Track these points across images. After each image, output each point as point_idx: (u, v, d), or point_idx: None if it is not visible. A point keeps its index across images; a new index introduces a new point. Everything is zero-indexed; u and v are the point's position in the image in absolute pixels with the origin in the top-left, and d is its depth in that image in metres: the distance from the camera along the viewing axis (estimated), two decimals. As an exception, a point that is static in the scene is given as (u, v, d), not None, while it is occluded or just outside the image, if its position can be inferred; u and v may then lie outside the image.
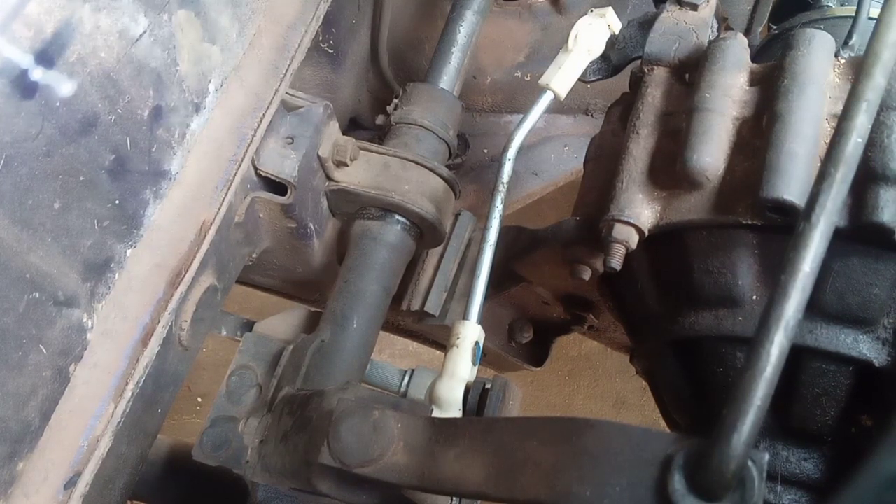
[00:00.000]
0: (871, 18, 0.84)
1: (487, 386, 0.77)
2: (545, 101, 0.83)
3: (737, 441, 0.45)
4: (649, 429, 0.50)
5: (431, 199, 0.91)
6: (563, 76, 0.83)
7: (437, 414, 0.71)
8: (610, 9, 0.85)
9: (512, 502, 0.54)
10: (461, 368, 0.73)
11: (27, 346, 0.55)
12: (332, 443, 0.58)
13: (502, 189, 0.81)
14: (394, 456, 0.58)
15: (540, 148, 1.40)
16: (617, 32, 0.86)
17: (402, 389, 0.95)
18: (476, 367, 0.75)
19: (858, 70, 0.53)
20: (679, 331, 0.76)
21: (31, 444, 0.58)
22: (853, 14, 0.80)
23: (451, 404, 0.71)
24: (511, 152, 0.82)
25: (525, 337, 1.15)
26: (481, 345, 0.75)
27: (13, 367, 0.55)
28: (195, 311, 0.72)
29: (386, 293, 0.90)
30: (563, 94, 0.83)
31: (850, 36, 0.75)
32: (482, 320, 0.77)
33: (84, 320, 0.61)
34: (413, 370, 0.96)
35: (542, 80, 0.83)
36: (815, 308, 0.67)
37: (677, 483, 0.47)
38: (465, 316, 0.76)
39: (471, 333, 0.74)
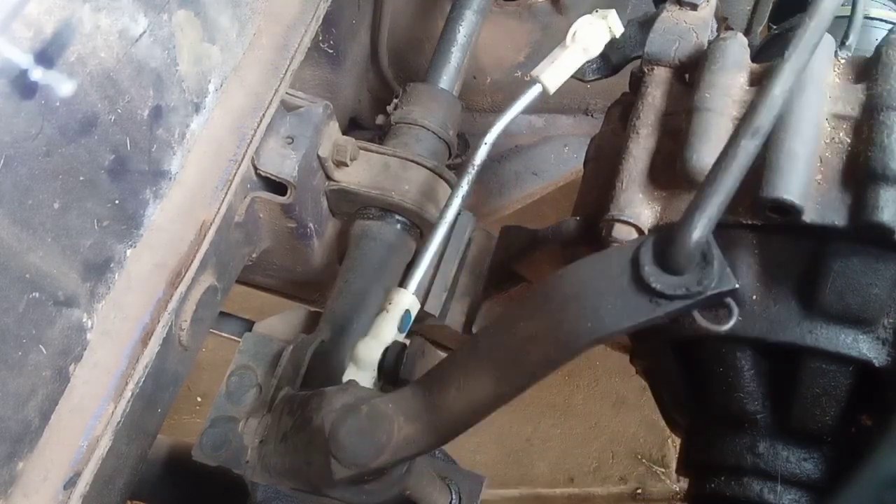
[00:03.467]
0: (870, 18, 0.84)
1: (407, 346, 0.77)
2: (533, 92, 0.82)
3: (699, 220, 0.51)
4: (614, 247, 0.53)
5: (431, 199, 0.91)
6: (554, 70, 0.82)
7: (351, 372, 0.72)
8: (613, 11, 0.84)
9: (532, 382, 0.55)
10: (385, 332, 0.74)
11: (27, 345, 0.55)
12: (337, 455, 0.58)
13: (472, 170, 0.80)
14: (400, 432, 0.58)
15: (540, 148, 1.40)
16: (618, 35, 0.85)
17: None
18: (402, 335, 0.75)
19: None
20: (678, 330, 0.76)
21: (30, 444, 0.58)
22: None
23: (367, 363, 0.72)
24: (489, 137, 0.81)
25: (525, 337, 1.15)
26: (412, 314, 0.76)
27: (13, 367, 0.55)
28: (195, 311, 0.72)
29: (385, 293, 0.90)
30: (552, 88, 0.83)
31: (846, 36, 0.75)
32: (421, 296, 0.78)
33: (84, 320, 0.61)
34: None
35: (534, 72, 0.83)
36: (815, 308, 0.67)
37: (647, 264, 0.52)
38: (402, 284, 0.77)
39: (403, 301, 0.75)
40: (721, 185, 0.53)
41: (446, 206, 0.79)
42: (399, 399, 0.60)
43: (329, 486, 0.62)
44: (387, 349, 0.73)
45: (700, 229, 0.52)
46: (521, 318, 0.56)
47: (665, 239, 0.52)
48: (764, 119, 0.55)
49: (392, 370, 0.73)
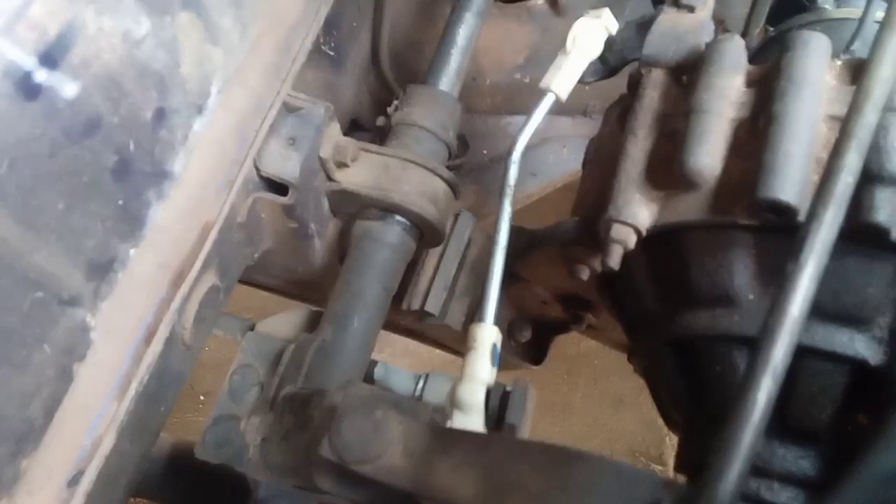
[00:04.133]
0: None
1: (508, 389, 0.76)
2: (547, 103, 0.83)
3: (723, 490, 0.45)
4: (640, 469, 0.51)
5: (431, 200, 0.92)
6: (563, 78, 0.83)
7: (458, 417, 0.71)
8: (606, 9, 0.85)
9: None
10: (481, 371, 0.72)
11: (31, 345, 0.56)
12: (333, 437, 0.59)
13: (509, 192, 0.81)
14: (391, 458, 0.59)
15: (539, 149, 1.40)
16: (614, 33, 0.86)
17: (417, 395, 0.94)
18: (496, 369, 0.74)
19: (850, 107, 0.53)
20: (677, 330, 0.77)
21: (34, 443, 0.58)
22: (849, 16, 0.81)
23: (473, 407, 0.71)
24: (516, 155, 0.82)
25: (524, 336, 1.16)
26: (499, 347, 0.74)
27: (17, 366, 0.55)
28: (198, 311, 0.72)
29: (386, 293, 0.91)
30: (564, 95, 0.84)
31: (851, 41, 0.76)
32: (497, 322, 0.76)
33: (88, 319, 0.61)
34: (427, 375, 0.94)
35: (543, 83, 0.84)
36: (811, 307, 0.68)
37: None
38: (480, 318, 0.75)
39: (488, 336, 0.74)
40: (742, 440, 0.46)
41: (497, 230, 0.80)
42: (410, 430, 0.60)
43: (317, 466, 0.63)
44: (490, 392, 0.72)
45: (726, 494, 0.45)
46: (533, 459, 0.54)
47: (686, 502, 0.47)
48: (779, 352, 0.49)
49: (498, 414, 0.72)
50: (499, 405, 0.74)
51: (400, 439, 0.59)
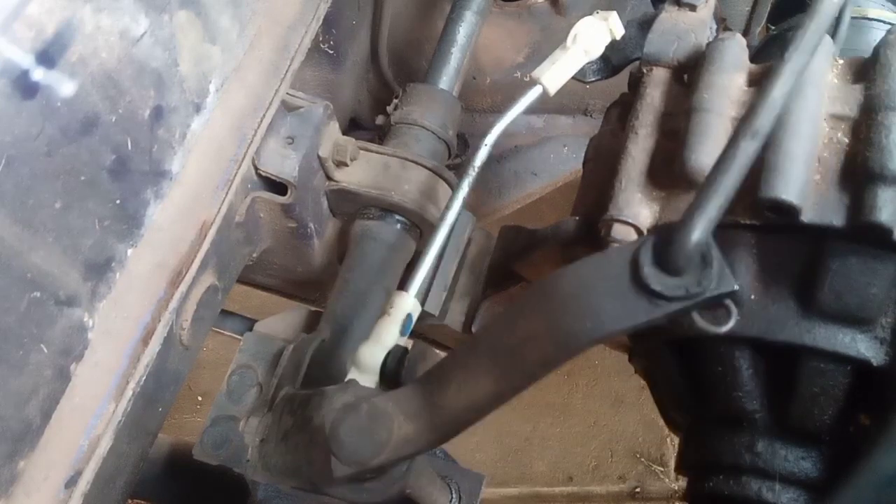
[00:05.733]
0: (868, 18, 0.85)
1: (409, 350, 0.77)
2: (533, 93, 0.83)
3: (699, 221, 0.51)
4: (613, 248, 0.53)
5: (431, 199, 0.92)
6: (555, 72, 0.82)
7: (353, 375, 0.72)
8: (614, 13, 0.84)
9: (530, 382, 0.55)
10: (387, 336, 0.73)
11: (28, 345, 0.56)
12: (337, 453, 0.58)
13: (472, 172, 0.80)
14: (400, 431, 0.58)
15: (539, 148, 1.40)
16: (618, 38, 0.85)
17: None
18: (405, 338, 0.75)
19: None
20: (677, 330, 0.76)
21: (32, 443, 0.58)
22: (851, 15, 0.81)
23: (369, 367, 0.72)
24: (489, 139, 0.81)
25: (524, 336, 1.15)
26: (413, 318, 0.76)
27: (14, 366, 0.55)
28: (196, 311, 0.72)
29: (386, 293, 0.91)
30: (552, 90, 0.83)
31: (833, 35, 0.76)
32: (421, 296, 0.78)
33: (85, 319, 0.61)
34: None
35: (534, 74, 0.83)
36: (813, 307, 0.67)
37: (647, 265, 0.51)
38: (404, 288, 0.77)
39: (405, 304, 0.75)
40: (721, 187, 0.53)
41: (447, 208, 0.79)
42: (399, 398, 0.60)
43: (329, 484, 0.63)
44: (389, 353, 0.73)
45: (699, 230, 0.51)
46: (520, 317, 0.56)
47: (665, 240, 0.52)
48: (763, 120, 0.55)
49: (394, 374, 0.72)
50: (395, 366, 0.74)
51: (397, 411, 0.59)
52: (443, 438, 0.59)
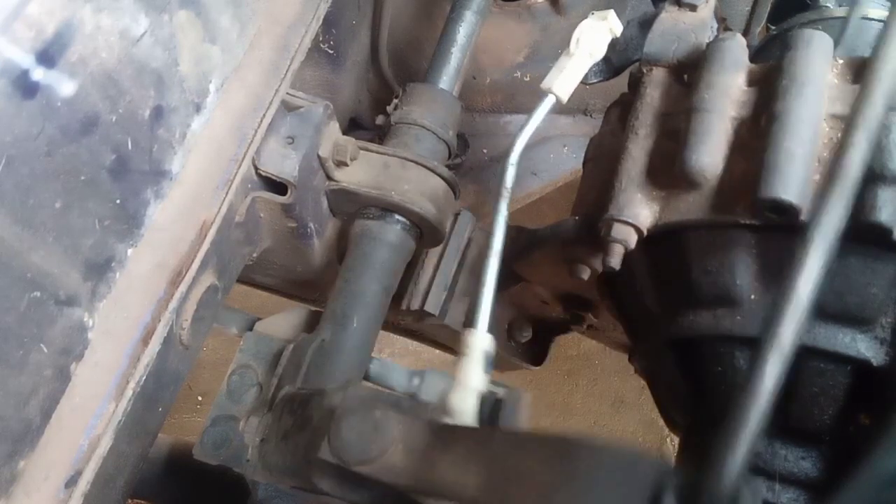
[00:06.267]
0: (867, 18, 0.84)
1: (500, 395, 0.76)
2: (547, 104, 0.83)
3: (730, 467, 0.45)
4: (643, 455, 0.50)
5: (431, 199, 0.92)
6: (564, 79, 0.83)
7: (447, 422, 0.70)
8: (612, 11, 0.85)
9: None
10: (472, 378, 0.72)
11: (28, 345, 0.56)
12: (332, 439, 0.58)
13: (506, 194, 0.81)
14: (392, 457, 0.58)
15: (539, 148, 1.40)
16: (618, 35, 0.86)
17: (413, 392, 0.93)
18: (489, 375, 0.74)
19: (855, 103, 0.52)
20: (678, 330, 0.76)
21: (32, 443, 0.58)
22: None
23: (464, 414, 0.71)
24: (513, 157, 0.81)
25: (524, 336, 1.15)
26: (491, 353, 0.74)
27: (14, 366, 0.55)
28: (196, 311, 0.72)
29: (386, 292, 0.91)
30: (564, 97, 0.83)
31: (841, 36, 0.76)
32: (491, 328, 0.76)
33: (85, 319, 0.61)
34: (424, 372, 0.94)
35: (544, 84, 0.83)
36: (814, 307, 0.67)
37: None
38: (471, 325, 0.75)
39: (479, 343, 0.74)
40: (750, 415, 0.47)
41: (492, 234, 0.79)
42: (410, 428, 0.59)
43: (316, 468, 0.62)
44: (483, 400, 0.72)
45: (731, 475, 0.45)
46: (535, 451, 0.54)
47: (692, 486, 0.46)
48: (786, 335, 0.49)
49: (490, 423, 0.72)
50: (489, 414, 0.74)
51: (400, 438, 0.59)
52: (420, 491, 0.58)
